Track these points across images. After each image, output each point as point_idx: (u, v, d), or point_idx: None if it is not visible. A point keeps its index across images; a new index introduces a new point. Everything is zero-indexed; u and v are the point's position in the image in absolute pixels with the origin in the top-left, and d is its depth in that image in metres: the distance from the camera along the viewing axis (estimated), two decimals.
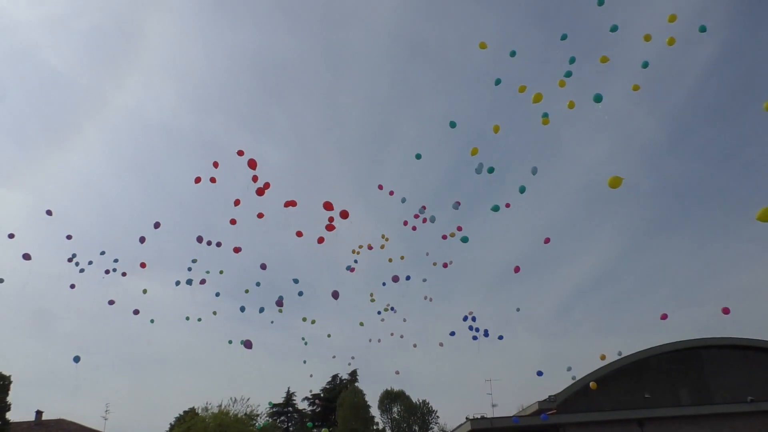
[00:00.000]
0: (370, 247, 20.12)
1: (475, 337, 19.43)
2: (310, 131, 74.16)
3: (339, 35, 72.96)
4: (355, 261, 20.03)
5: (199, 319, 21.10)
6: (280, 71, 74.20)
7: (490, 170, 15.55)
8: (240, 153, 16.95)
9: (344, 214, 16.80)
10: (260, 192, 16.48)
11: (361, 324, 22.08)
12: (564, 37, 14.96)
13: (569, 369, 19.81)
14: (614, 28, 13.98)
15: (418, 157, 19.36)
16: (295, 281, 20.35)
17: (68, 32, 71.50)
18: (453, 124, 16.70)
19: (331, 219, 17.11)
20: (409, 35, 71.03)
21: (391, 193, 19.03)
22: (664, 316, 16.05)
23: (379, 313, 21.44)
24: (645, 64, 14.06)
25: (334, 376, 54.12)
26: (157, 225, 19.23)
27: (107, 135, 70.19)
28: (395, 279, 19.30)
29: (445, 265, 19.75)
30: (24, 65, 68.79)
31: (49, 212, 19.77)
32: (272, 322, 22.48)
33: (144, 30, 68.87)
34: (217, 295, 20.91)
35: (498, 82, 15.69)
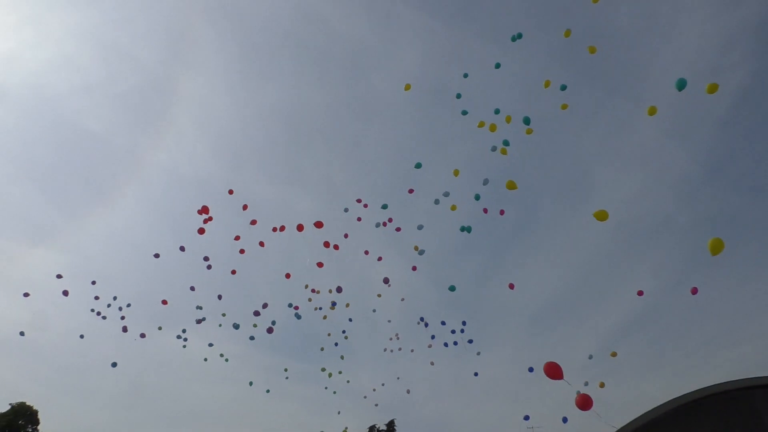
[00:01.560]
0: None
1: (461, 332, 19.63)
2: (338, 179, 75.10)
3: (364, 85, 74.65)
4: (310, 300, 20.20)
5: (226, 360, 21.28)
6: (308, 122, 75.92)
7: (563, 87, 14.85)
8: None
9: (318, 224, 17.84)
10: (204, 211, 17.79)
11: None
12: (520, 36, 15.02)
13: (569, 384, 18.82)
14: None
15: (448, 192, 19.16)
16: (297, 316, 20.50)
17: (105, 97, 74.84)
18: (419, 165, 17.18)
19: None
20: (432, 81, 72.15)
21: (417, 248, 19.09)
22: (694, 290, 15.30)
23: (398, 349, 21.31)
24: (563, 87, 13.93)
25: (372, 427, 52.94)
26: (208, 263, 19.77)
27: (143, 193, 72.39)
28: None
29: (386, 280, 19.92)
30: (64, 131, 71.95)
31: (59, 276, 20.62)
32: (287, 378, 22.57)
33: (177, 89, 71.70)
34: (211, 345, 21.16)
35: (465, 112, 16.00)
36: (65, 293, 19.94)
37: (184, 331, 20.16)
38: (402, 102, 75.48)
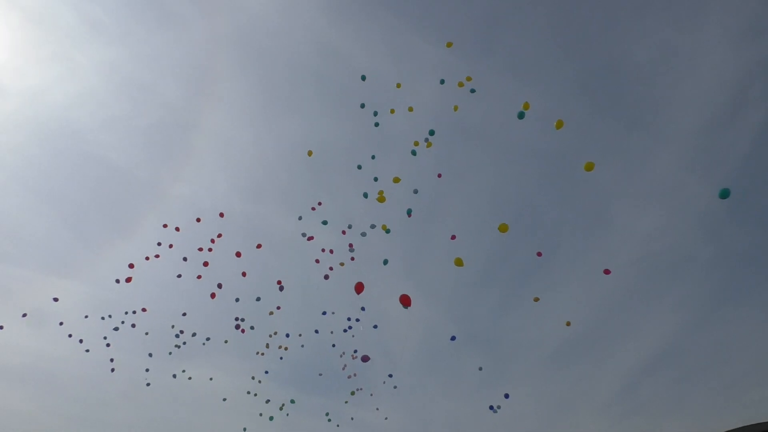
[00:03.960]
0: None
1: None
2: (355, 212, 75.29)
3: (381, 120, 75.33)
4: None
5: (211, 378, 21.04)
6: (326, 155, 76.58)
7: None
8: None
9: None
10: None
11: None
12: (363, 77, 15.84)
13: (507, 396, 20.20)
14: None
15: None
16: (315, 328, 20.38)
17: (129, 131, 76.45)
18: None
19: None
20: (451, 115, 72.53)
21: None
22: (607, 271, 15.43)
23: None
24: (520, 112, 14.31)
25: None
26: (212, 295, 19.87)
27: (164, 224, 73.11)
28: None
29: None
30: (87, 164, 73.50)
31: (55, 299, 20.95)
32: (280, 409, 22.13)
33: (198, 123, 72.96)
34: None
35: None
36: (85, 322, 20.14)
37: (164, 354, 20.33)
38: (421, 136, 76.09)
